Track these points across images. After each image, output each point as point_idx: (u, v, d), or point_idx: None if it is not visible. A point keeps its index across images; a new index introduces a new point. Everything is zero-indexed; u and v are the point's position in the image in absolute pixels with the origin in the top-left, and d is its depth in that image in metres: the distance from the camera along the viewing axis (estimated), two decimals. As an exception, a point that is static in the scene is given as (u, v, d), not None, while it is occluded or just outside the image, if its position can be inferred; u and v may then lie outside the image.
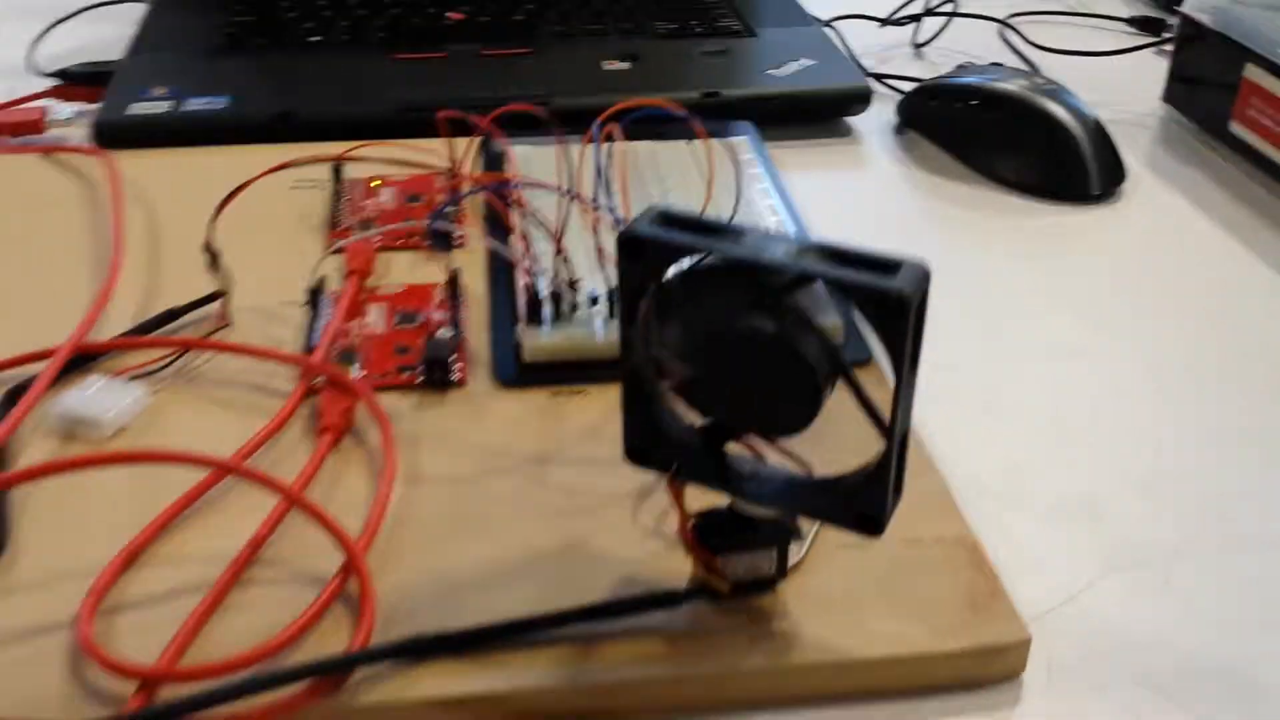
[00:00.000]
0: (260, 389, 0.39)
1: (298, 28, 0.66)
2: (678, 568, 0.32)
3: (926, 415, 0.40)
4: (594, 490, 0.35)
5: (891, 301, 0.25)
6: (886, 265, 0.25)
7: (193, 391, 0.39)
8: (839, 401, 0.27)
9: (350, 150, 0.52)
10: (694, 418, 0.30)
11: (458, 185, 0.48)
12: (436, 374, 0.39)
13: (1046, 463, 0.38)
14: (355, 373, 0.39)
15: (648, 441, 0.30)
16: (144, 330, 0.42)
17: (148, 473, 0.35)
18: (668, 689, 0.29)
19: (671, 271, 0.28)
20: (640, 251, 0.27)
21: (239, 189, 0.42)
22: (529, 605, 0.31)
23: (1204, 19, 0.58)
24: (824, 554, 0.33)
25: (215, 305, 0.43)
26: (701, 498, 0.30)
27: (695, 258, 0.27)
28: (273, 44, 0.65)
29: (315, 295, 0.43)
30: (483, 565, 0.32)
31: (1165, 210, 0.54)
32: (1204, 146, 0.59)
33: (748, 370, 0.27)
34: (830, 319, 0.39)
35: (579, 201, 0.39)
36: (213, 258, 0.42)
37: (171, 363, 0.40)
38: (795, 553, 0.32)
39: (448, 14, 0.68)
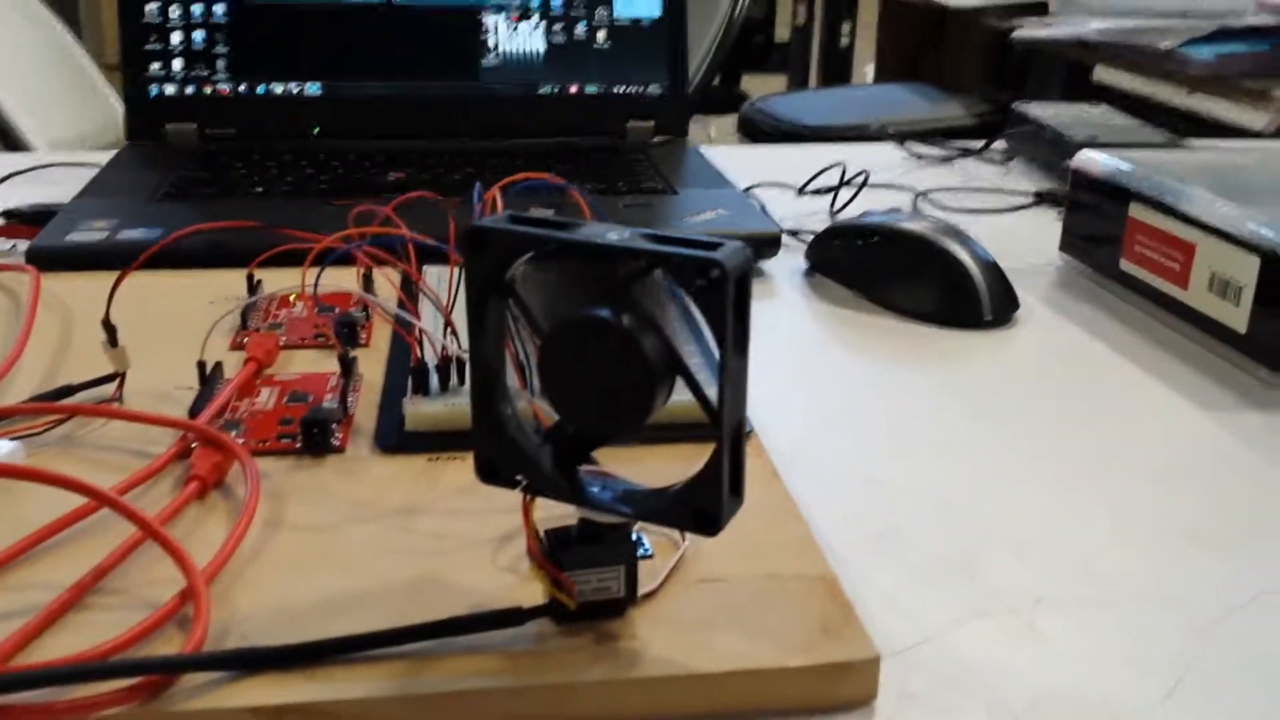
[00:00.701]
0: (140, 454, 0.39)
1: (245, 181, 0.70)
2: (529, 599, 0.31)
3: (810, 485, 0.40)
4: (457, 535, 0.35)
5: (711, 273, 0.26)
6: (709, 245, 0.26)
7: (71, 454, 0.39)
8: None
9: (266, 256, 0.53)
10: (540, 437, 0.30)
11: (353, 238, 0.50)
12: (315, 437, 0.39)
13: (924, 529, 0.38)
14: (234, 438, 0.40)
15: (500, 457, 0.30)
16: (37, 401, 0.42)
17: (8, 509, 0.35)
18: (504, 701, 0.28)
19: (518, 265, 0.29)
20: (485, 244, 0.28)
21: (139, 261, 0.43)
22: (371, 629, 0.30)
23: (1091, 168, 0.61)
24: (681, 586, 0.32)
25: (111, 386, 0.43)
26: (554, 523, 0.30)
27: (543, 254, 0.28)
28: (217, 194, 0.68)
29: (209, 374, 0.43)
30: (329, 593, 0.32)
31: (1056, 334, 0.56)
32: (1098, 286, 0.62)
33: (589, 362, 0.28)
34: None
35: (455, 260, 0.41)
36: (110, 333, 0.43)
37: (54, 428, 0.40)
38: (650, 582, 0.32)
39: (390, 174, 0.72)
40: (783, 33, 3.86)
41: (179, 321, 0.50)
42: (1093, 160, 0.62)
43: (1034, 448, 0.44)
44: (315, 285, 0.43)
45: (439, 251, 0.42)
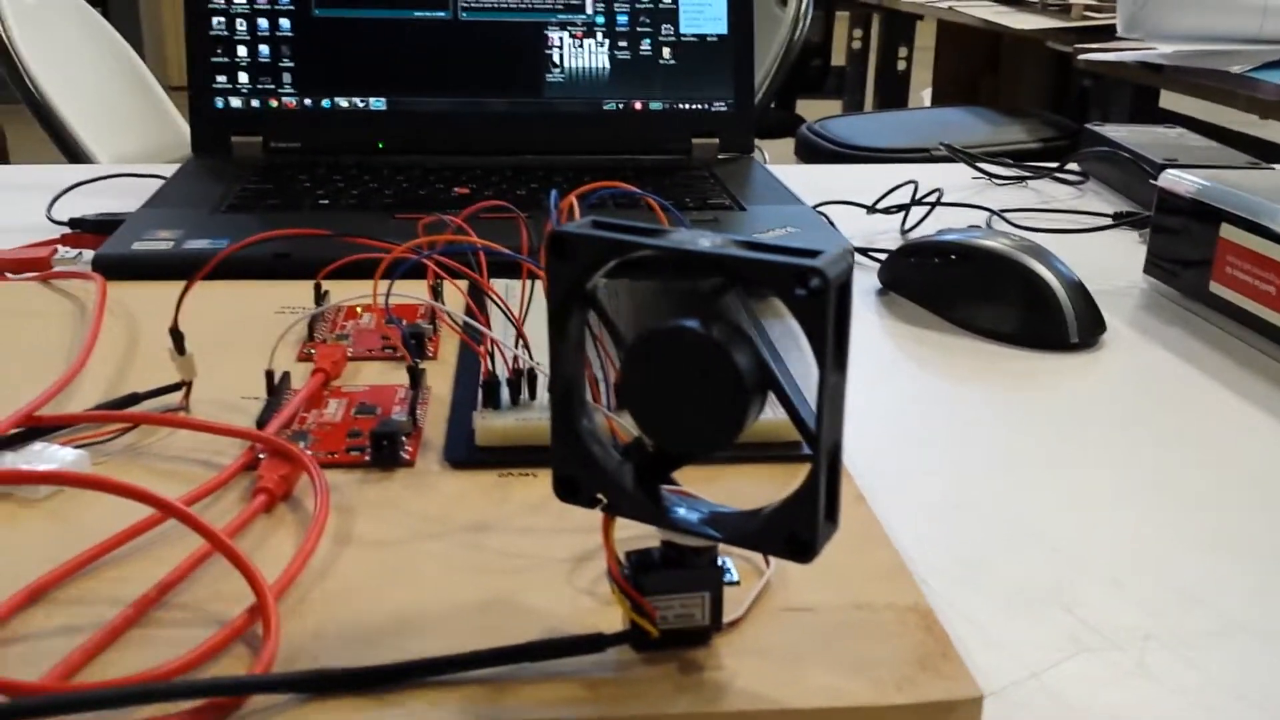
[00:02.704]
0: (206, 464, 0.39)
1: (310, 194, 0.70)
2: (608, 624, 0.30)
3: (893, 509, 0.38)
4: (530, 554, 0.33)
5: (811, 281, 0.24)
6: (807, 252, 0.25)
7: (137, 464, 0.39)
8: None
9: (335, 267, 0.52)
10: (621, 454, 0.29)
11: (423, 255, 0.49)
12: (384, 449, 0.38)
13: (1014, 556, 0.36)
14: (303, 449, 0.39)
15: (577, 471, 0.29)
16: (102, 409, 0.42)
17: (73, 519, 0.34)
18: (583, 732, 0.27)
19: (600, 273, 0.27)
20: (569, 250, 0.27)
21: (210, 264, 0.42)
22: (444, 651, 0.28)
23: (1178, 188, 0.59)
24: (766, 614, 0.30)
25: (178, 395, 0.43)
26: (635, 543, 0.29)
27: (630, 261, 0.27)
28: (281, 205, 0.68)
29: (276, 384, 0.42)
30: (401, 613, 0.30)
31: (1144, 357, 0.53)
32: (1186, 310, 0.60)
33: (676, 374, 0.26)
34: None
35: (539, 276, 0.40)
36: (177, 341, 0.42)
37: (119, 436, 0.40)
38: (734, 610, 0.30)
39: (454, 189, 0.72)
40: (839, 57, 3.84)
41: (246, 331, 0.50)
42: (1180, 180, 0.60)
43: (1127, 474, 0.42)
44: (386, 297, 0.42)
45: (510, 263, 0.41)
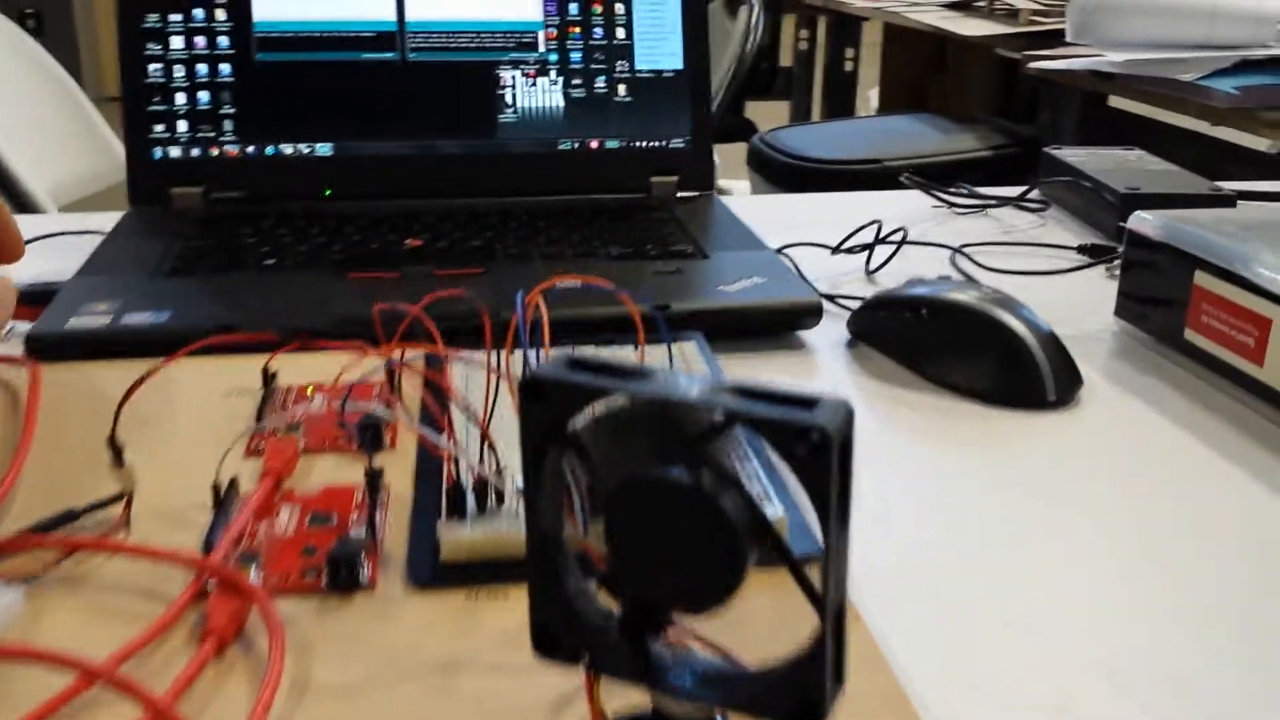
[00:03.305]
0: (150, 594, 0.36)
1: (254, 251, 0.67)
2: (595, 781, 0.27)
3: (878, 609, 0.36)
4: (507, 700, 0.31)
5: (813, 437, 0.22)
6: (805, 402, 0.23)
7: (76, 597, 0.36)
8: (770, 593, 0.24)
9: (283, 350, 0.50)
10: (610, 602, 0.27)
11: (387, 357, 0.46)
12: (341, 574, 0.36)
13: (1008, 656, 0.34)
14: (254, 575, 0.36)
15: (559, 627, 0.27)
16: (37, 531, 0.39)
17: (5, 681, 0.31)
18: None
19: (579, 418, 0.25)
20: (544, 395, 0.25)
21: (144, 378, 0.39)
22: (418, 825, 0.26)
23: (1149, 232, 0.58)
24: (764, 763, 0.28)
25: (118, 507, 0.40)
26: (622, 699, 0.26)
27: (607, 404, 0.25)
28: (226, 266, 0.64)
29: (224, 495, 0.40)
30: (369, 779, 0.28)
31: (1124, 414, 0.52)
32: (1159, 356, 0.58)
33: (662, 527, 0.24)
34: (771, 508, 0.37)
35: (507, 381, 0.37)
36: (117, 454, 0.39)
37: (57, 565, 0.37)
38: (730, 761, 0.28)
39: (406, 240, 0.69)
40: (786, 58, 3.84)
41: (190, 423, 0.47)
42: (1149, 222, 0.59)
43: (1114, 545, 0.41)
44: (343, 406, 0.40)
45: (471, 329, 0.39)
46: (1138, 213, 0.60)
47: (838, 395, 0.23)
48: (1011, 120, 2.22)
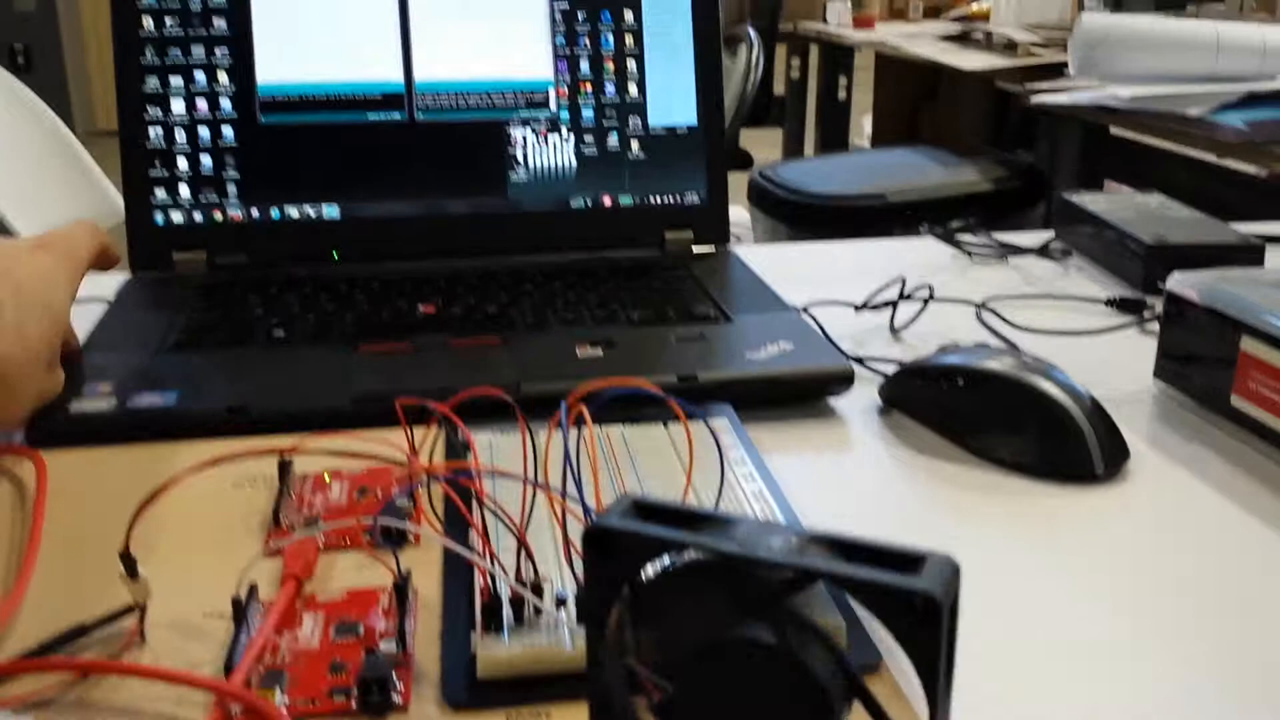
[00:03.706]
0: (165, 719, 0.34)
1: (262, 323, 0.64)
2: None
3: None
4: (560, 842, 0.29)
5: (921, 606, 0.20)
6: (907, 560, 0.21)
7: (87, 725, 0.33)
8: None
9: (299, 443, 0.48)
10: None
11: (413, 475, 0.44)
12: (373, 697, 0.33)
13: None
14: (279, 698, 0.34)
15: (623, 784, 0.25)
16: (46, 650, 0.36)
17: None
18: None
19: (648, 571, 0.23)
20: (612, 547, 0.23)
21: (158, 491, 0.37)
22: None
23: (1191, 296, 0.56)
24: None
25: (130, 619, 0.38)
26: None
27: (676, 554, 0.23)
28: (232, 341, 0.62)
29: (242, 606, 0.37)
30: None
31: (1171, 485, 0.50)
32: (1205, 422, 0.57)
33: (741, 690, 0.22)
34: (831, 617, 0.34)
35: (544, 491, 0.35)
36: (129, 566, 0.37)
37: (69, 689, 0.35)
38: None
39: (419, 306, 0.67)
40: (779, 86, 3.84)
41: (202, 515, 0.45)
42: (1190, 285, 0.57)
43: (1199, 648, 0.38)
44: (375, 530, 0.37)
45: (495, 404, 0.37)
46: (1177, 274, 0.58)
47: (942, 553, 0.21)
48: (1005, 147, 2.21)
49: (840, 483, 0.51)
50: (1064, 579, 0.43)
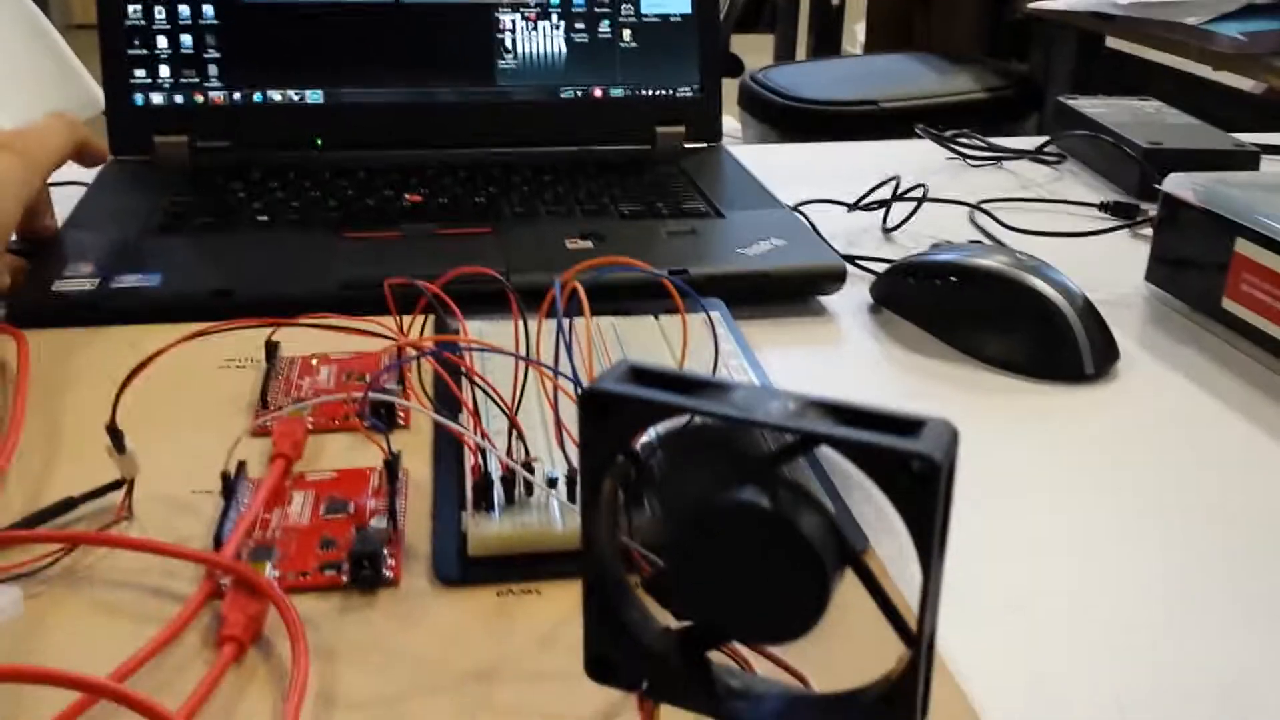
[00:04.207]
0: (158, 592, 0.34)
1: (245, 208, 0.63)
2: (652, 810, 0.26)
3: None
4: (548, 712, 0.29)
5: (920, 468, 0.20)
6: (905, 424, 0.21)
7: (79, 595, 0.33)
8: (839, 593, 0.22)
9: (286, 322, 0.47)
10: (669, 621, 0.25)
11: (402, 350, 0.43)
12: (365, 572, 0.33)
13: (1072, 668, 0.33)
14: (270, 571, 0.34)
15: (614, 651, 0.25)
16: (33, 522, 0.36)
17: (3, 699, 0.29)
18: None
19: (643, 439, 0.23)
20: (607, 413, 0.22)
21: (146, 362, 0.37)
22: None
23: (1188, 196, 0.56)
24: (830, 789, 0.27)
25: (118, 494, 0.37)
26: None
27: (672, 421, 0.22)
28: (216, 224, 0.61)
29: (232, 481, 0.37)
30: (409, 810, 0.26)
31: (1161, 387, 0.50)
32: (1196, 325, 0.57)
33: (735, 557, 0.22)
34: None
35: (536, 369, 0.35)
36: (116, 440, 0.37)
37: (57, 560, 0.35)
38: (796, 788, 0.26)
39: (405, 196, 0.66)
40: (771, -8, 3.76)
41: (190, 398, 0.45)
42: (1187, 186, 0.56)
43: (1184, 545, 0.39)
44: (364, 405, 0.37)
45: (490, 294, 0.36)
46: (1174, 175, 0.58)
47: (941, 417, 0.21)
48: (1000, 57, 2.18)
49: (830, 379, 0.51)
50: (1051, 473, 0.43)
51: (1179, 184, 0.57)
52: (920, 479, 0.20)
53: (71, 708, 0.28)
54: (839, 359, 0.53)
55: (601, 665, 0.25)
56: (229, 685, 0.30)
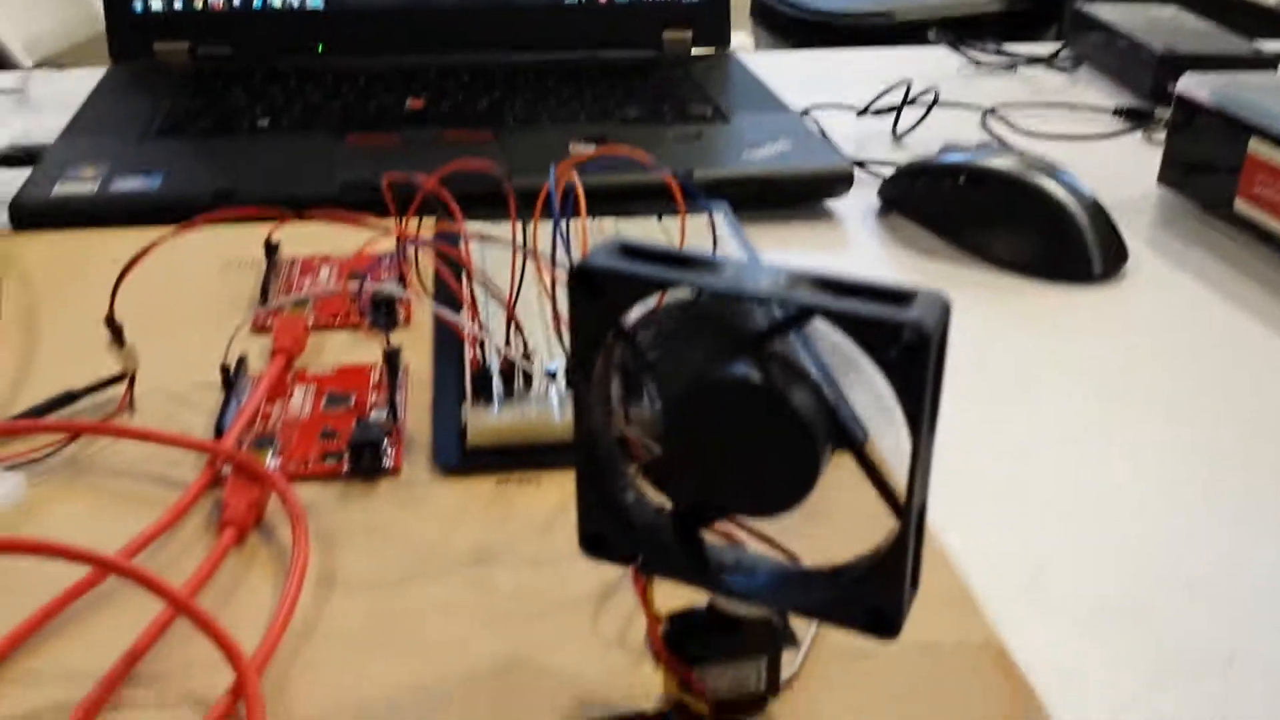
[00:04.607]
0: (159, 480, 0.34)
1: (247, 113, 0.63)
2: (647, 684, 0.26)
3: (934, 505, 0.34)
4: (545, 594, 0.29)
5: (910, 336, 0.20)
6: (897, 296, 0.21)
7: (81, 482, 0.34)
8: (830, 474, 0.22)
9: (286, 215, 0.47)
10: (662, 498, 0.25)
11: (402, 238, 0.43)
12: (365, 459, 0.34)
13: (1073, 559, 0.33)
14: (270, 461, 0.34)
15: (608, 527, 0.25)
16: (35, 414, 0.37)
17: (9, 574, 0.29)
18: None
19: (634, 314, 0.23)
20: (598, 288, 0.22)
21: (143, 252, 0.37)
22: (461, 733, 0.25)
23: (1202, 97, 0.55)
24: (822, 666, 0.27)
25: (119, 388, 0.38)
26: (674, 597, 0.25)
27: (664, 296, 0.22)
28: (217, 128, 0.61)
29: (232, 374, 0.37)
30: (407, 688, 0.26)
31: (1171, 288, 0.50)
32: (1207, 227, 0.56)
33: (727, 433, 0.22)
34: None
35: (534, 260, 0.35)
36: (115, 333, 0.37)
37: (59, 450, 0.35)
38: (788, 664, 0.27)
39: (407, 100, 0.65)
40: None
41: (191, 296, 0.45)
42: (1202, 87, 0.55)
43: (1186, 443, 0.39)
44: (360, 291, 0.37)
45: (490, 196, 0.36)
46: (1188, 75, 0.56)
47: (933, 289, 0.21)
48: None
49: (834, 279, 0.50)
50: (1056, 370, 0.43)
51: (1193, 85, 0.56)
52: (910, 349, 0.20)
53: (77, 585, 0.28)
54: (844, 261, 0.52)
55: (596, 541, 0.25)
56: (230, 567, 0.30)
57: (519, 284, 0.35)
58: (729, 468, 0.22)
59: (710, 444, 0.23)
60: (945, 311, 0.21)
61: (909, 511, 0.22)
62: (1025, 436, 0.39)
